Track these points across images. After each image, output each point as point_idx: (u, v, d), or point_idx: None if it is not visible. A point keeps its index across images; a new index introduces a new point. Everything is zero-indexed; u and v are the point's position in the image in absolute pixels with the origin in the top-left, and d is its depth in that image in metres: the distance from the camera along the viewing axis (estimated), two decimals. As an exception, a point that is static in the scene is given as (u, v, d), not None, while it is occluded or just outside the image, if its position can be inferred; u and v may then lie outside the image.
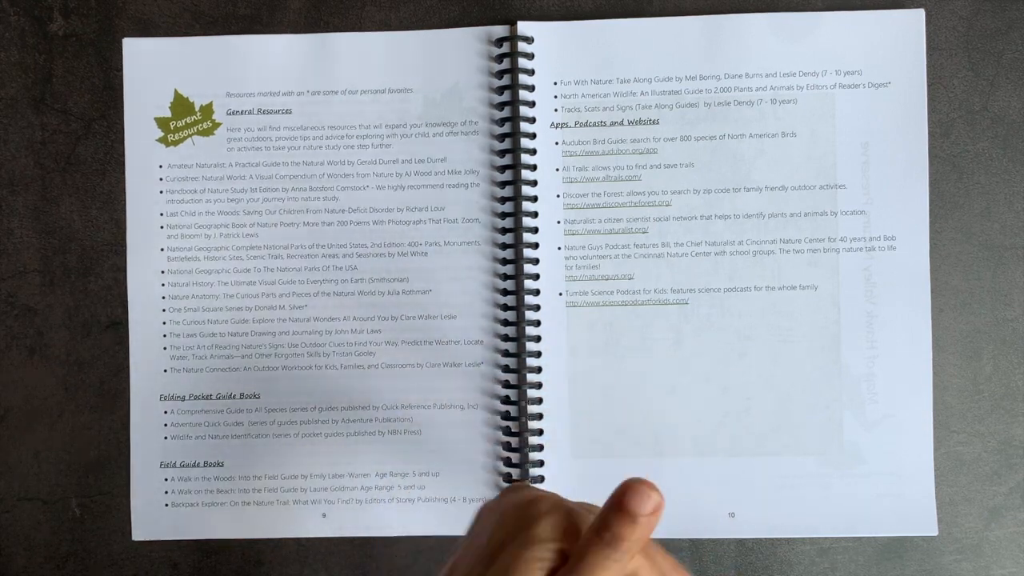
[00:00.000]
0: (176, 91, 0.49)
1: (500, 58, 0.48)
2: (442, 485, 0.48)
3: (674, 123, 0.48)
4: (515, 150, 0.47)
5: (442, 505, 0.48)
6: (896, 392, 0.47)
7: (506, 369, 0.48)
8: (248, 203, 0.49)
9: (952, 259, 0.48)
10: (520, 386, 0.47)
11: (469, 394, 0.48)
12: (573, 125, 0.48)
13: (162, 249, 0.49)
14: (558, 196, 0.48)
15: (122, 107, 0.49)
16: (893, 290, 0.47)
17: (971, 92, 0.48)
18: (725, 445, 0.47)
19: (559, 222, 0.48)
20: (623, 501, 0.29)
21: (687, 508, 0.47)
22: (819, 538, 0.48)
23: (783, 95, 0.48)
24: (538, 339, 0.48)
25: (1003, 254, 0.48)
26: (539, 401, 0.48)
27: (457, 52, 0.48)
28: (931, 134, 0.47)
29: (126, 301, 0.49)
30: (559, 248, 0.48)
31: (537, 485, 0.47)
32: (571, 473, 0.48)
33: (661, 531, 0.47)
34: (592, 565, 0.29)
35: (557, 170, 0.48)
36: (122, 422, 0.49)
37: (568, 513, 0.31)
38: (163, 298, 0.49)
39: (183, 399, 0.49)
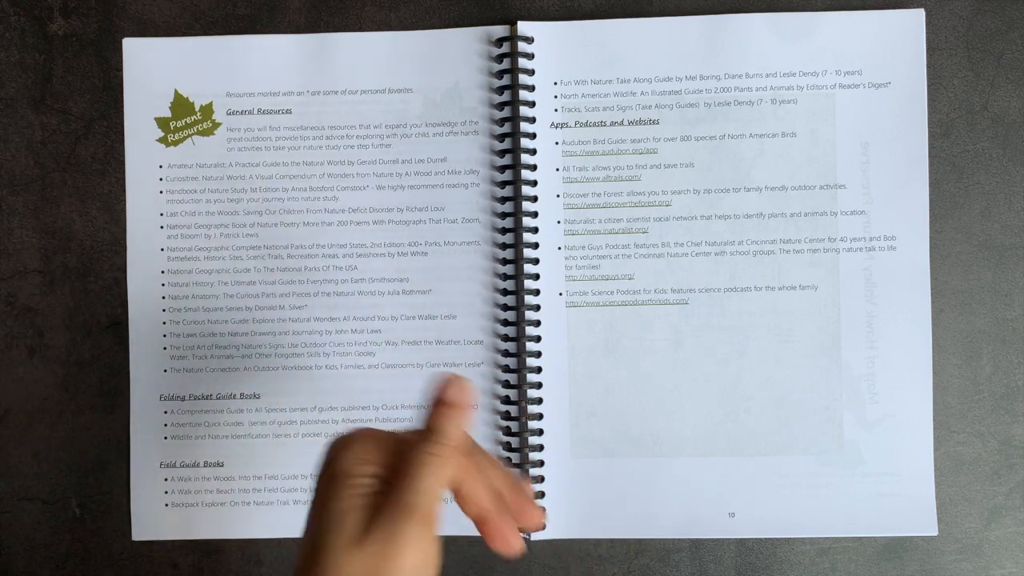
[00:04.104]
0: (176, 91, 0.49)
1: (500, 58, 0.48)
2: (442, 485, 0.48)
3: (674, 123, 0.48)
4: (515, 150, 0.47)
5: (442, 505, 0.48)
6: (896, 392, 0.47)
7: (506, 369, 0.48)
8: (248, 203, 0.49)
9: (952, 259, 0.48)
10: (520, 386, 0.47)
11: (469, 394, 0.48)
12: (573, 125, 0.48)
13: (162, 249, 0.49)
14: (558, 196, 0.48)
15: (122, 107, 0.49)
16: (893, 290, 0.47)
17: (971, 92, 0.48)
18: (725, 445, 0.47)
19: (559, 222, 0.48)
20: (435, 393, 0.31)
21: (687, 508, 0.47)
22: (819, 538, 0.48)
23: (783, 95, 0.48)
24: (538, 339, 0.48)
25: (1003, 254, 0.48)
26: (539, 401, 0.48)
27: (457, 52, 0.48)
28: (931, 134, 0.47)
29: (126, 301, 0.49)
30: (559, 248, 0.48)
31: (537, 486, 0.47)
32: (571, 473, 0.48)
33: (662, 531, 0.47)
34: (415, 464, 0.30)
35: (557, 170, 0.48)
36: (122, 422, 0.49)
37: (379, 438, 0.32)
38: (163, 298, 0.49)
39: (183, 399, 0.49)
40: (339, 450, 0.31)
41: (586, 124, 0.48)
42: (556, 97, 0.48)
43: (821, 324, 0.47)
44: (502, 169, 0.48)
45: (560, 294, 0.48)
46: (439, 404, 0.31)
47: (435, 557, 0.31)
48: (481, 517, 0.32)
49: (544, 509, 0.33)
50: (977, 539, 0.47)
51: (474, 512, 0.32)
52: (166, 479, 0.49)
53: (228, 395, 0.49)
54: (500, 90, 0.48)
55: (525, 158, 0.48)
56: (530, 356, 0.47)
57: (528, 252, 0.48)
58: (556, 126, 0.48)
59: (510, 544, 0.32)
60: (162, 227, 0.49)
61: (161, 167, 0.49)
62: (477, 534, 0.48)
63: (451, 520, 0.48)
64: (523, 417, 0.47)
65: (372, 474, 0.31)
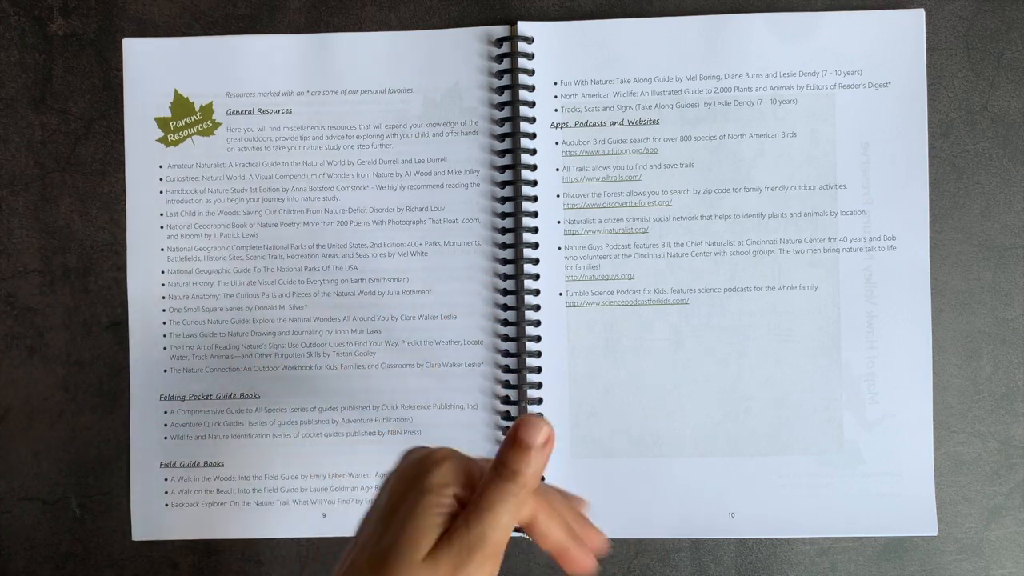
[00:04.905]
0: (176, 91, 0.49)
1: (500, 58, 0.48)
2: (442, 485, 0.48)
3: (674, 123, 0.48)
4: (515, 150, 0.47)
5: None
6: (896, 392, 0.47)
7: (506, 369, 0.48)
8: (248, 203, 0.49)
9: (952, 259, 0.48)
10: (520, 386, 0.47)
11: (469, 394, 0.48)
12: (573, 125, 0.48)
13: (162, 249, 0.49)
14: (558, 196, 0.48)
15: (122, 107, 0.49)
16: (893, 290, 0.47)
17: (971, 92, 0.48)
18: (725, 445, 0.47)
19: (559, 222, 0.48)
20: (517, 435, 0.31)
21: (687, 508, 0.47)
22: (819, 538, 0.48)
23: (783, 95, 0.48)
24: (538, 339, 0.48)
25: (1003, 254, 0.48)
26: (539, 401, 0.48)
27: (457, 52, 0.48)
28: (931, 134, 0.47)
29: (126, 301, 0.49)
30: (559, 248, 0.48)
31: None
32: (571, 473, 0.48)
33: (662, 531, 0.47)
34: (491, 500, 0.30)
35: (557, 170, 0.48)
36: (122, 422, 0.49)
37: (462, 461, 0.32)
38: (163, 298, 0.49)
39: (183, 399, 0.49)
40: (432, 465, 0.32)
41: (586, 124, 0.48)
42: (556, 97, 0.48)
43: (821, 324, 0.47)
44: (502, 169, 0.48)
45: (560, 294, 0.48)
46: (518, 444, 0.31)
47: None
48: (557, 549, 0.33)
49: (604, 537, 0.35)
50: (977, 539, 0.47)
51: (550, 545, 0.33)
52: (166, 479, 0.49)
53: (228, 395, 0.49)
54: (500, 90, 0.48)
55: (525, 158, 0.48)
56: (530, 356, 0.47)
57: (528, 252, 0.48)
58: (556, 126, 0.48)
59: (587, 568, 0.33)
60: (162, 227, 0.49)
61: (161, 167, 0.49)
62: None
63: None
64: (523, 417, 0.47)
65: (454, 495, 0.31)
